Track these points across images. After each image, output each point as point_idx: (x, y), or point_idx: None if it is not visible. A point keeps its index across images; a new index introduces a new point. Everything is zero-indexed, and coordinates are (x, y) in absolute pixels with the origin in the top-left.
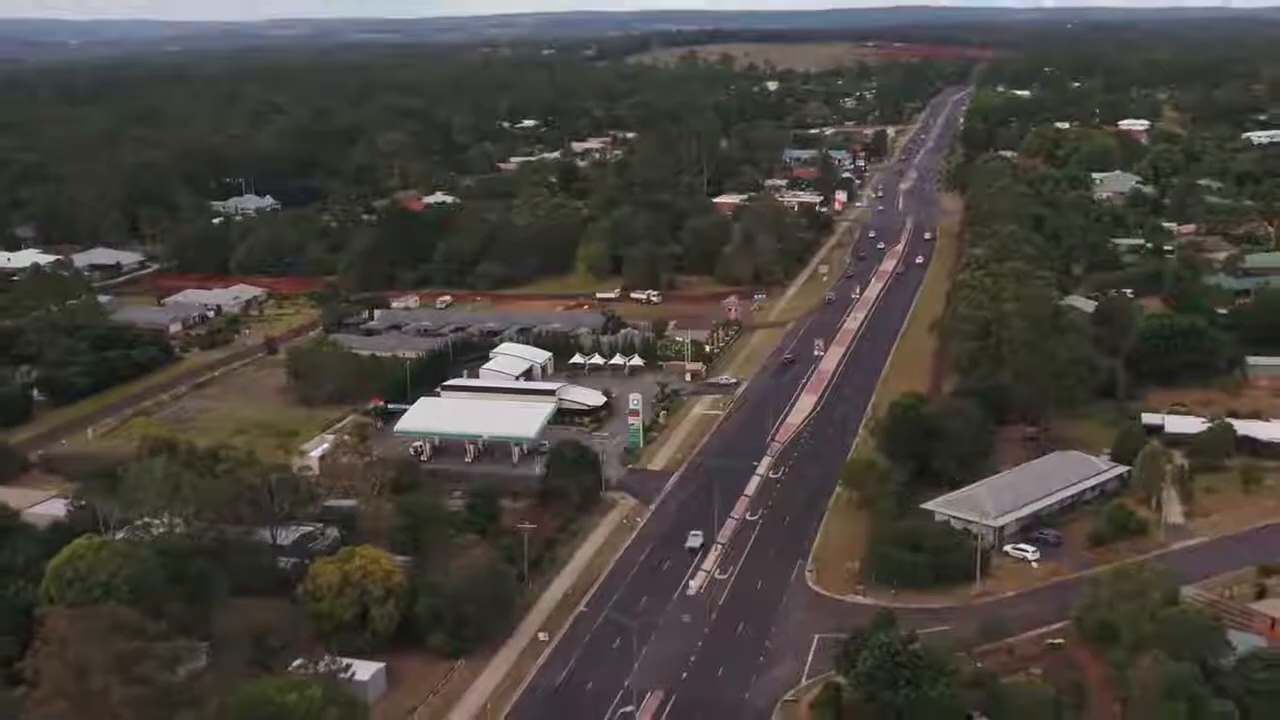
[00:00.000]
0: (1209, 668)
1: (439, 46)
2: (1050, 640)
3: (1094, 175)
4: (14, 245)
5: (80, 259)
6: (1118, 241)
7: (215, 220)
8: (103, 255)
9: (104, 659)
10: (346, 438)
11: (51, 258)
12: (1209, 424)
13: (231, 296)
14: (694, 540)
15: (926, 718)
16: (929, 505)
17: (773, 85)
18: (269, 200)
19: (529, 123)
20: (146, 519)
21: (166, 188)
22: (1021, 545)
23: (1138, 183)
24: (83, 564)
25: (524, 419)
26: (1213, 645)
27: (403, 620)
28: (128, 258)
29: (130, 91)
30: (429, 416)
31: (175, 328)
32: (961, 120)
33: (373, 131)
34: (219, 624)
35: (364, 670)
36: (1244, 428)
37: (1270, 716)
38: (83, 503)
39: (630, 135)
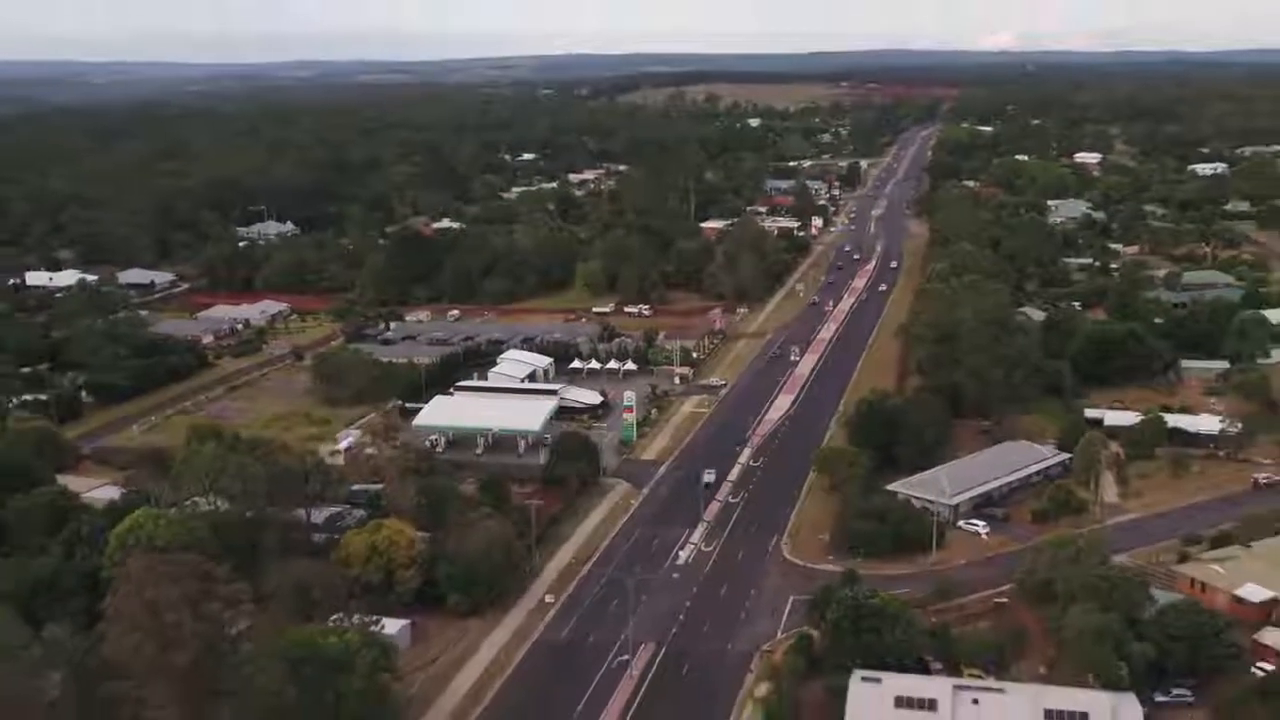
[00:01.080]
0: (1132, 618)
1: (445, 86)
2: (996, 599)
3: (1049, 202)
4: (55, 266)
5: (118, 278)
6: (1068, 260)
7: (240, 244)
8: (138, 275)
9: (176, 598)
10: (376, 425)
11: (91, 277)
12: (1143, 418)
13: (258, 311)
14: (708, 477)
15: (885, 659)
16: (892, 486)
17: (754, 122)
18: (289, 226)
19: (528, 156)
20: (194, 499)
21: (195, 214)
22: (973, 520)
23: (1089, 208)
24: (142, 532)
25: (529, 414)
26: (1136, 599)
27: (424, 584)
28: (161, 277)
29: (156, 128)
30: (444, 413)
31: (208, 339)
32: (929, 153)
33: (385, 164)
34: (265, 581)
35: (391, 626)
36: (1175, 421)
37: (1183, 657)
38: (135, 488)
39: (622, 167)
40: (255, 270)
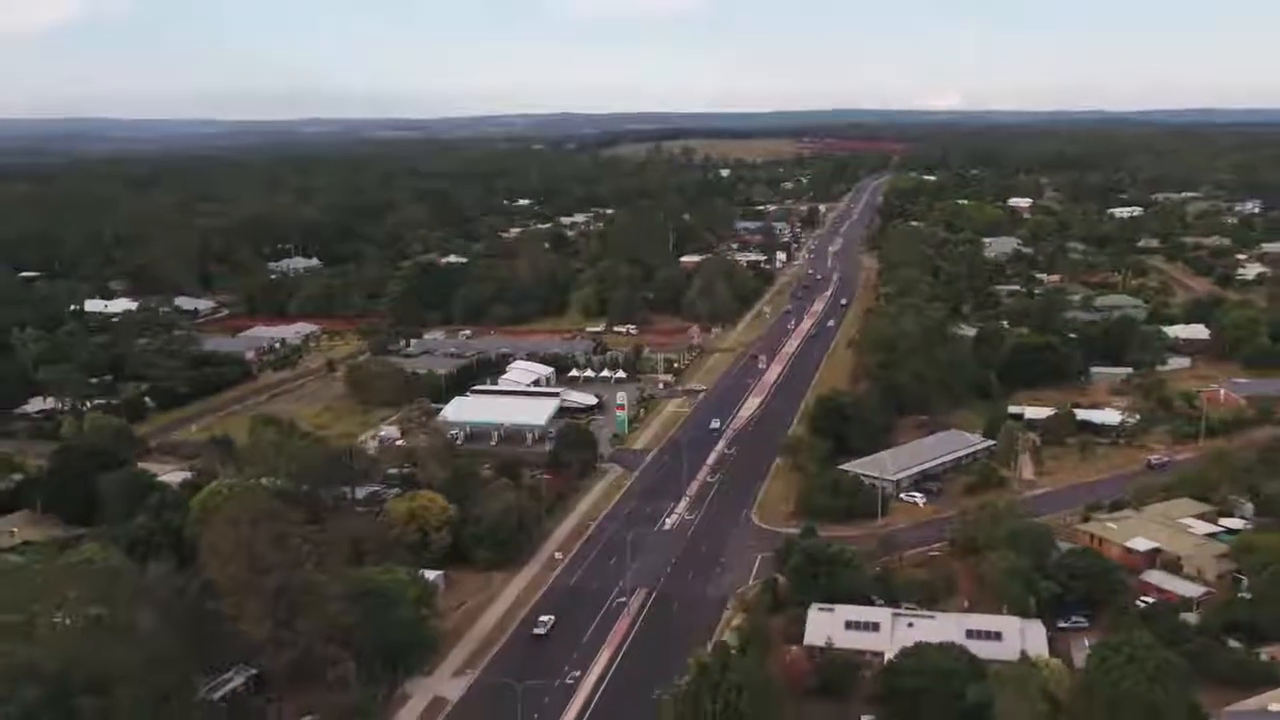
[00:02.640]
0: (1040, 563)
1: (449, 141)
2: (930, 553)
3: (984, 239)
4: (109, 295)
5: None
6: (999, 287)
7: (272, 276)
8: (185, 302)
9: (264, 534)
10: (413, 416)
11: (138, 304)
12: (1056, 412)
13: (293, 331)
14: (714, 424)
15: (838, 598)
16: (845, 466)
17: (725, 172)
18: (314, 261)
19: (524, 201)
20: (258, 477)
21: (232, 250)
22: (912, 493)
23: (1019, 244)
24: (218, 498)
25: (535, 412)
26: (1043, 548)
27: (453, 543)
28: (204, 304)
29: (188, 177)
30: (463, 410)
31: (250, 354)
32: (880, 199)
33: (398, 206)
34: (326, 534)
35: (428, 575)
36: (1083, 415)
37: (1081, 592)
38: (204, 468)
39: (608, 211)
40: (288, 298)
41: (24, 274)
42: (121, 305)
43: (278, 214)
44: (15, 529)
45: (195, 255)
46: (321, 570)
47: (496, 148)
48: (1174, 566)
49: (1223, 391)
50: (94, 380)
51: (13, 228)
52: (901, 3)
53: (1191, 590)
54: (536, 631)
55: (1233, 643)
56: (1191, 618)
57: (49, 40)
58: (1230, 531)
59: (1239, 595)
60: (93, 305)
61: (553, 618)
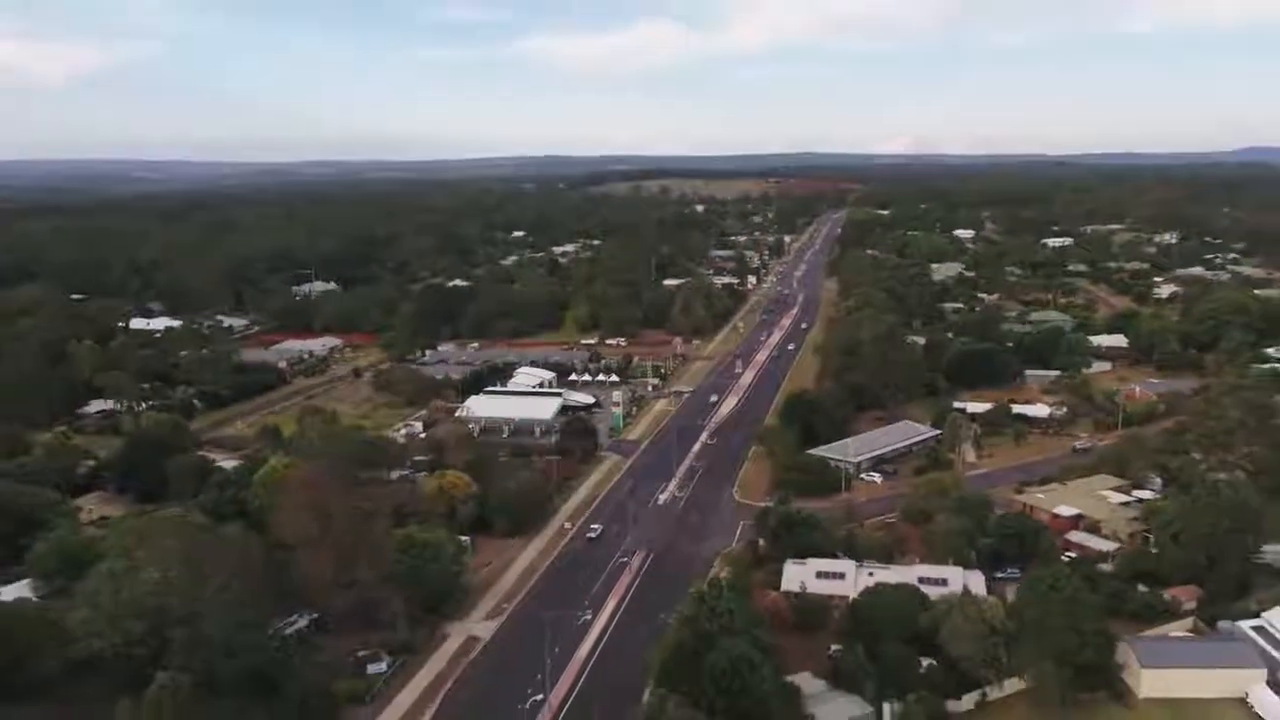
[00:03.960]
0: (980, 525)
1: (445, 180)
2: (886, 520)
3: (932, 264)
4: (149, 314)
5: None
6: (945, 305)
7: (296, 298)
8: (221, 320)
9: (331, 494)
10: (439, 410)
11: (177, 322)
12: (994, 406)
13: (319, 344)
14: (713, 398)
15: (808, 555)
16: (813, 450)
17: (700, 208)
18: (332, 284)
19: (518, 233)
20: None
21: (259, 274)
22: (871, 473)
23: (962, 269)
24: (275, 474)
25: (541, 409)
26: (982, 513)
27: (477, 514)
28: (237, 322)
29: (209, 211)
30: (479, 407)
31: (283, 364)
32: (839, 231)
33: (405, 237)
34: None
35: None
36: (1018, 409)
37: (1014, 549)
38: (257, 453)
39: (596, 241)
40: (311, 316)
41: (73, 295)
42: (162, 323)
43: (297, 243)
44: (92, 506)
45: (225, 279)
46: (375, 527)
47: (490, 187)
48: (1094, 528)
49: (1138, 389)
50: (145, 386)
51: (60, 255)
52: (855, 59)
53: (1108, 546)
54: (589, 536)
55: (1141, 587)
56: (1107, 568)
57: (75, 89)
58: (1141, 500)
59: (1147, 550)
60: (136, 323)
61: (601, 526)
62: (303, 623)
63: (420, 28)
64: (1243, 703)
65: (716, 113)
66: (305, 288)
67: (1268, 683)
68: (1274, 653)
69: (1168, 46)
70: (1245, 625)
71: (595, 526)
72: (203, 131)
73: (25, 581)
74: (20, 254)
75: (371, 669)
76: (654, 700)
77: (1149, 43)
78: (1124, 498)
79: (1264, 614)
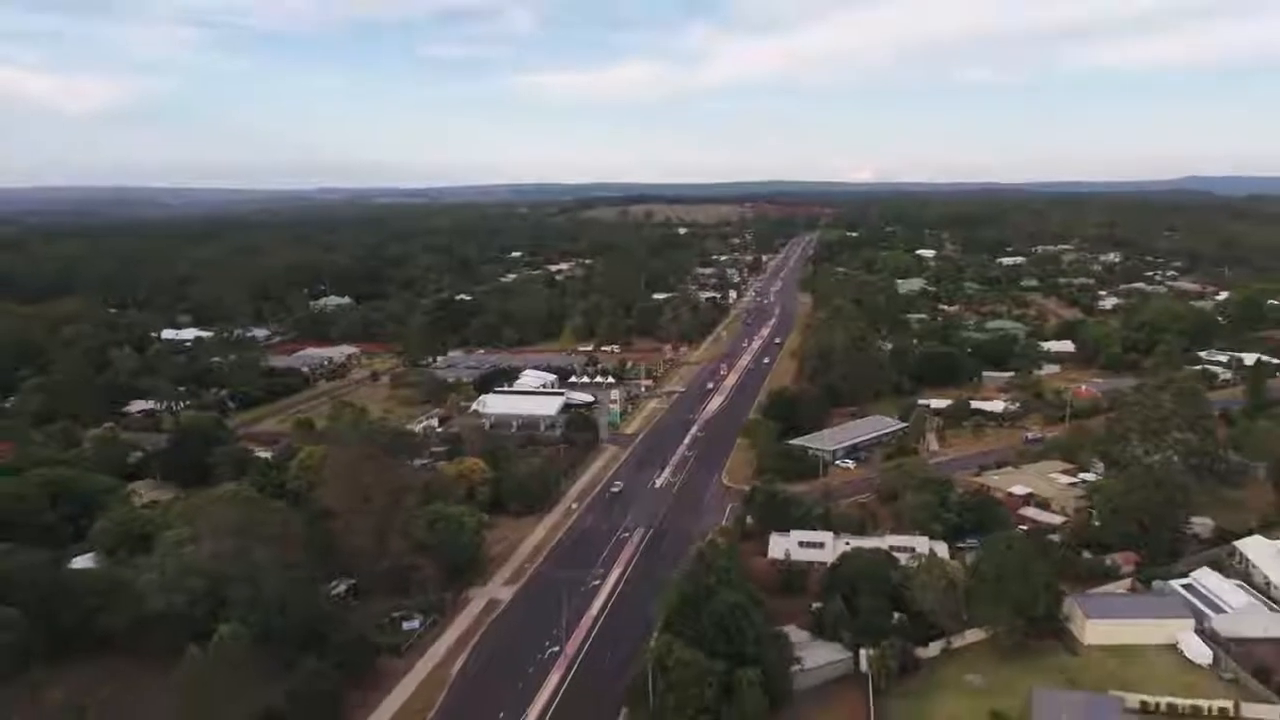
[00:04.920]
0: (943, 501)
1: (446, 205)
2: (859, 500)
3: (897, 280)
4: (179, 326)
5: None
6: (909, 315)
7: (315, 309)
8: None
9: (371, 470)
10: (455, 404)
11: (204, 333)
12: (954, 402)
13: (338, 352)
14: (710, 384)
15: (791, 527)
16: (793, 441)
17: (682, 230)
18: (346, 299)
19: (516, 254)
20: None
21: (280, 289)
22: (845, 460)
23: (925, 284)
24: (312, 459)
25: (546, 406)
26: (945, 491)
27: (492, 497)
28: (262, 332)
29: (229, 233)
30: (490, 405)
31: (306, 369)
32: (811, 250)
33: (412, 256)
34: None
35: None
36: (976, 404)
37: (973, 522)
38: (286, 445)
39: (588, 261)
40: (329, 327)
41: (110, 309)
42: (191, 333)
43: (312, 261)
44: (143, 491)
45: (248, 294)
46: (406, 502)
47: (488, 211)
48: (1044, 505)
49: (1084, 387)
50: (181, 388)
51: (94, 272)
52: (823, 94)
53: (1056, 520)
54: (613, 490)
55: (1086, 554)
56: (1056, 538)
57: (100, 119)
58: (1085, 481)
59: (1090, 522)
60: (167, 333)
61: (622, 483)
62: (341, 588)
63: (422, 64)
64: (1173, 648)
65: (695, 143)
66: (322, 301)
67: (1195, 631)
68: (1200, 606)
69: (1113, 85)
70: (1176, 584)
71: (618, 483)
72: (221, 160)
73: (89, 555)
74: (58, 270)
75: (406, 626)
76: (661, 643)
77: (1095, 81)
78: (1070, 479)
79: (1192, 574)
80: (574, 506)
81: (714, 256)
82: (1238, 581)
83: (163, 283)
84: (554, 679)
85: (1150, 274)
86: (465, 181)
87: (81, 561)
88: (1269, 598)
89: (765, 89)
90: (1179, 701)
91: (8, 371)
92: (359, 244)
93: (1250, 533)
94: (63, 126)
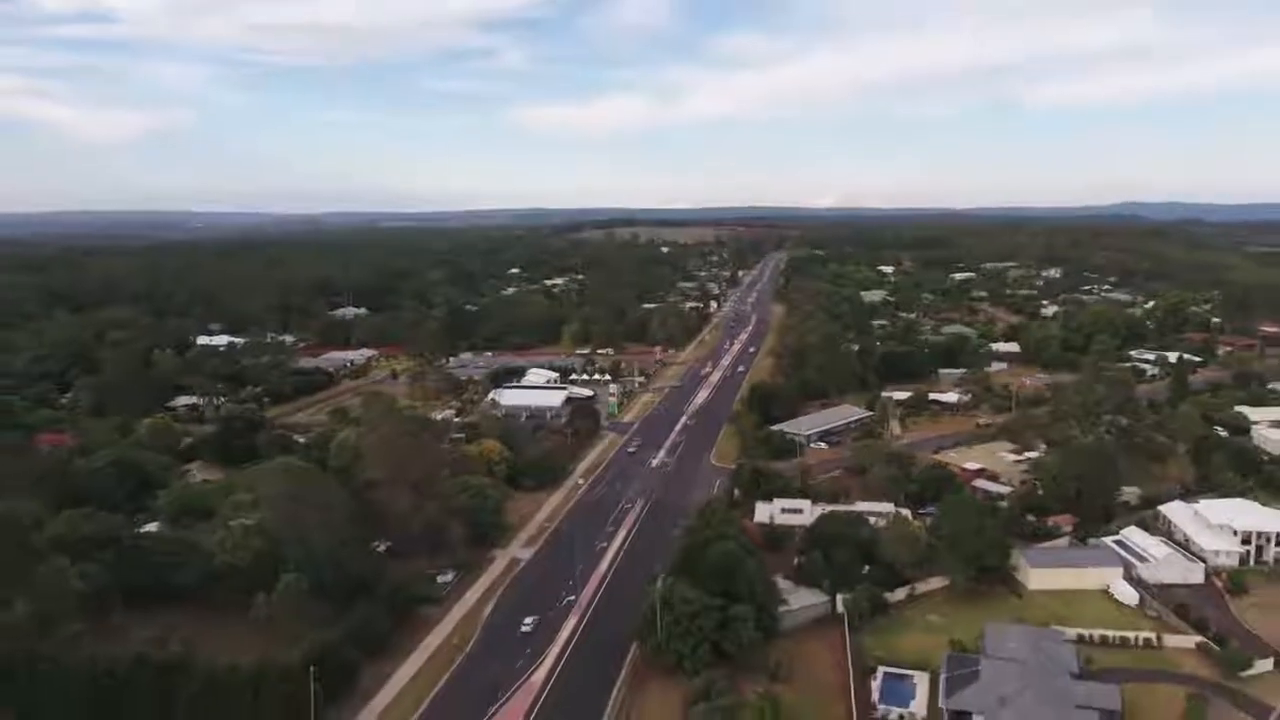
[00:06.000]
0: (906, 473)
1: (447, 228)
2: (833, 475)
3: (861, 292)
4: (210, 333)
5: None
6: (874, 321)
7: (335, 318)
8: (270, 338)
9: (407, 442)
10: (474, 396)
11: (235, 339)
12: (913, 394)
13: (359, 355)
14: (696, 381)
15: (774, 496)
16: (774, 427)
17: (665, 249)
18: (362, 310)
19: (514, 270)
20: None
21: (302, 300)
22: (819, 442)
23: (886, 295)
24: (349, 439)
25: (552, 398)
26: (907, 465)
27: (509, 473)
28: (288, 338)
29: (254, 252)
30: (502, 397)
31: (330, 369)
32: (783, 266)
33: (420, 271)
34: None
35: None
36: (934, 396)
37: (933, 492)
38: (323, 430)
39: (579, 276)
40: (349, 332)
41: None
42: (223, 339)
43: (331, 276)
44: (195, 470)
45: (273, 304)
46: (438, 472)
47: (489, 233)
48: (993, 477)
49: (1028, 381)
50: (219, 385)
51: (132, 285)
52: (790, 127)
53: (1004, 489)
54: (629, 451)
55: (1030, 517)
56: (1004, 505)
57: (132, 148)
58: (1029, 458)
59: (1034, 491)
60: (202, 340)
61: (640, 441)
62: (381, 548)
63: (425, 98)
64: (1106, 592)
65: (675, 171)
66: (342, 311)
67: (1124, 578)
68: (1129, 557)
69: (1054, 118)
70: (1108, 540)
71: (635, 441)
72: (238, 186)
73: (154, 523)
74: (99, 285)
75: (440, 580)
76: (667, 585)
77: (1038, 115)
78: (1016, 457)
79: (1122, 532)
80: (580, 482)
81: (695, 272)
82: (1161, 538)
83: (194, 294)
84: (571, 621)
85: (1087, 288)
86: (466, 207)
87: (148, 529)
88: (1187, 550)
89: (737, 122)
90: (1110, 633)
91: (63, 372)
92: (371, 261)
93: (1173, 499)
94: (94, 155)
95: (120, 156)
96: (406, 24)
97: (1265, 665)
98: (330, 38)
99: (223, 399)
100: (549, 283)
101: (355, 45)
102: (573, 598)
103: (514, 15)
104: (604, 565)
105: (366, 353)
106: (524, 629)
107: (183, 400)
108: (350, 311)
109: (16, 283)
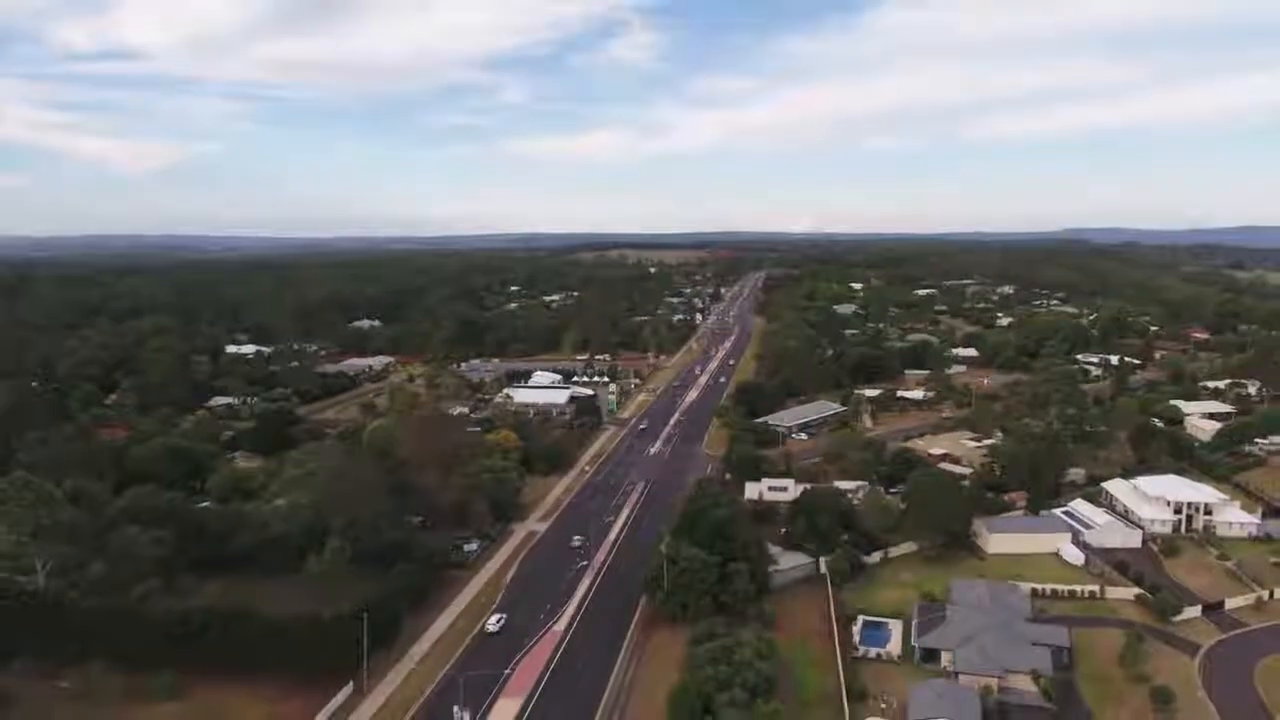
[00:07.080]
0: (879, 457)
1: (450, 251)
2: (812, 461)
3: (834, 305)
4: (238, 343)
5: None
6: (847, 331)
7: (354, 329)
8: (296, 346)
9: (436, 426)
10: (482, 396)
11: (261, 348)
12: (883, 392)
13: (377, 361)
14: (687, 382)
15: (763, 475)
16: (758, 420)
17: (653, 269)
18: (377, 321)
19: (514, 288)
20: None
21: (325, 312)
22: (800, 433)
23: (857, 309)
24: (381, 428)
25: (557, 397)
26: (880, 450)
27: (523, 459)
28: (312, 346)
29: (272, 271)
30: (512, 395)
31: (352, 373)
32: (762, 283)
33: (429, 287)
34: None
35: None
36: (901, 393)
37: (903, 472)
38: (352, 422)
39: (575, 293)
40: (367, 341)
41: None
42: (250, 348)
43: (347, 291)
44: (238, 459)
45: (295, 316)
46: (463, 453)
47: (489, 255)
48: (955, 461)
49: (986, 381)
50: (252, 387)
51: (162, 300)
52: (766, 157)
53: (966, 471)
54: (640, 429)
55: (989, 494)
56: (967, 483)
57: (156, 176)
58: (987, 444)
59: (991, 472)
60: (230, 348)
61: (649, 421)
62: (414, 521)
63: (429, 131)
64: (1056, 555)
65: (660, 199)
66: (360, 323)
67: (1072, 542)
68: (1076, 525)
69: (1007, 152)
70: (1057, 511)
71: (645, 421)
72: (255, 213)
73: (206, 503)
74: (132, 299)
75: (467, 549)
76: (670, 546)
77: (992, 148)
78: (976, 444)
79: (1070, 504)
80: (586, 468)
81: (681, 289)
82: (1105, 509)
83: (220, 308)
84: (585, 581)
85: (1038, 302)
86: (467, 232)
87: (202, 506)
88: (1127, 520)
89: (718, 154)
90: (1060, 587)
91: (107, 374)
92: (381, 278)
93: (1114, 478)
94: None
95: (143, 185)
96: (412, 61)
97: (1193, 612)
98: (341, 74)
99: (255, 399)
100: (548, 298)
101: (363, 82)
102: (585, 562)
103: (513, 54)
104: (613, 535)
105: (384, 359)
106: (544, 587)
107: (219, 400)
108: (366, 323)
109: (58, 297)
